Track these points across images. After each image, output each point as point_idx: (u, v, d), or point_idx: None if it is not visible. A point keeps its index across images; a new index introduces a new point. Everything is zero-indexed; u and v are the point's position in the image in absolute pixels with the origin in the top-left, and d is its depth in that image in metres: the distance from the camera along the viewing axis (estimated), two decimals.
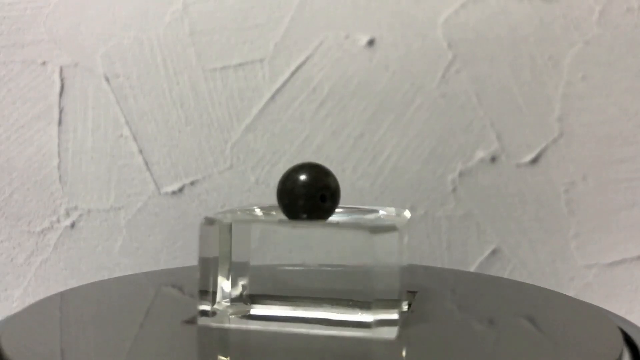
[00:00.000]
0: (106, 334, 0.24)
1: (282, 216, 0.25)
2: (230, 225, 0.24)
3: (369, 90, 0.41)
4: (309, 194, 0.24)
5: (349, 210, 0.27)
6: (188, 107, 0.42)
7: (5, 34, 0.42)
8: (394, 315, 0.22)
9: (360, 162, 0.41)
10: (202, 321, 0.24)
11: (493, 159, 0.41)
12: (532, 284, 0.32)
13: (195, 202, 0.42)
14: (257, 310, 0.24)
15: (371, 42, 0.41)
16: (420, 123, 0.41)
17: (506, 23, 0.40)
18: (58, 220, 0.43)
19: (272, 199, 0.26)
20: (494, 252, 0.41)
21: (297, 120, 0.41)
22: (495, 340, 0.24)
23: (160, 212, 0.42)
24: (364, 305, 0.23)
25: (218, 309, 0.24)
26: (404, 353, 0.22)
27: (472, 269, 0.41)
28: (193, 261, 0.25)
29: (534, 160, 0.40)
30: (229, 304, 0.24)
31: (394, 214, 0.27)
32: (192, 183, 0.42)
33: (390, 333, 0.22)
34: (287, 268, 0.25)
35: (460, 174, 0.41)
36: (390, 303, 0.23)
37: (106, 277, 0.42)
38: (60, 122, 0.42)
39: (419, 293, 0.28)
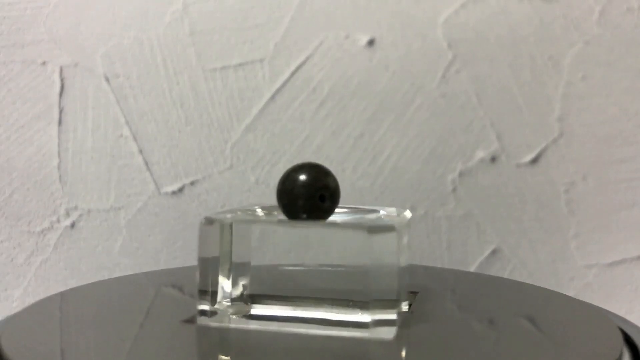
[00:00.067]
0: (106, 334, 0.24)
1: (283, 216, 0.25)
2: (231, 225, 0.24)
3: (369, 90, 0.41)
4: (308, 194, 0.24)
5: (351, 210, 0.27)
6: (188, 107, 0.42)
7: (5, 34, 0.42)
8: (392, 316, 0.22)
9: (360, 162, 0.41)
10: (202, 321, 0.24)
11: (493, 159, 0.41)
12: (532, 284, 0.32)
13: (195, 202, 0.42)
14: (258, 310, 0.24)
15: (371, 42, 0.41)
16: (420, 123, 0.41)
17: (506, 23, 0.40)
18: (58, 220, 0.43)
19: (272, 199, 0.26)
20: (494, 252, 0.41)
21: (297, 120, 0.41)
22: (495, 340, 0.24)
23: (160, 212, 0.42)
24: (363, 305, 0.23)
25: (219, 309, 0.24)
26: (402, 353, 0.22)
27: (472, 269, 0.41)
28: (193, 261, 0.25)
29: (534, 160, 0.40)
30: (229, 303, 0.25)
31: (395, 214, 0.27)
32: (192, 183, 0.42)
33: (388, 333, 0.22)
34: (287, 268, 0.25)
35: (460, 174, 0.41)
36: (388, 303, 0.22)
37: (106, 277, 0.42)
38: (60, 122, 0.42)
39: (418, 293, 0.28)
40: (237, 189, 0.42)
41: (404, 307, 0.25)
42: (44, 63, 0.42)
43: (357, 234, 0.23)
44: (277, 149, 0.41)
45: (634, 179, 0.40)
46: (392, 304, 0.23)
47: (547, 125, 0.40)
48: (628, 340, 0.24)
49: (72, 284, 0.43)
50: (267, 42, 0.41)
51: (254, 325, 0.24)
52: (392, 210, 0.27)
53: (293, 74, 0.41)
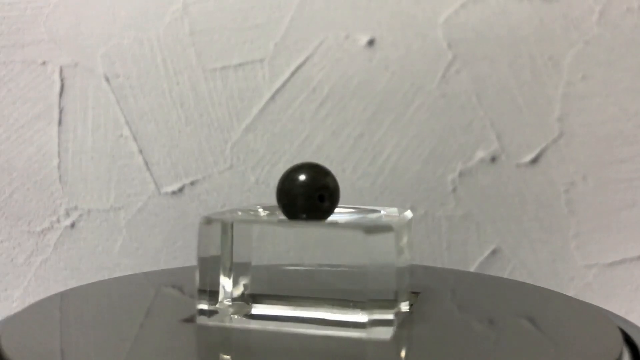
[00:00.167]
0: (106, 334, 0.24)
1: (283, 216, 0.25)
2: (231, 225, 0.24)
3: (369, 90, 0.41)
4: (307, 194, 0.24)
5: (352, 210, 0.27)
6: (188, 107, 0.42)
7: (5, 34, 0.42)
8: (390, 316, 0.22)
9: (360, 162, 0.41)
10: (201, 320, 0.24)
11: (493, 159, 0.41)
12: (532, 284, 0.32)
13: (195, 202, 0.42)
14: (258, 309, 0.24)
15: (371, 42, 0.41)
16: (420, 123, 0.41)
17: (506, 23, 0.40)
18: (58, 220, 0.43)
19: (272, 199, 0.26)
20: (494, 252, 0.41)
21: (297, 120, 0.41)
22: (495, 340, 0.24)
23: (160, 212, 0.42)
24: (361, 305, 0.23)
25: (220, 308, 0.24)
26: (400, 354, 0.22)
27: (472, 269, 0.41)
28: (193, 261, 0.25)
29: (534, 160, 0.40)
30: (230, 303, 0.25)
31: (395, 214, 0.27)
32: (192, 183, 0.42)
33: (386, 333, 0.22)
34: (286, 268, 0.25)
35: (460, 174, 0.41)
36: (386, 303, 0.22)
37: (106, 277, 0.42)
38: (60, 122, 0.42)
39: (420, 294, 0.28)
40: (237, 189, 0.42)
41: (404, 307, 0.25)
42: (44, 63, 0.42)
43: (355, 234, 0.23)
44: (277, 149, 0.42)
45: (634, 179, 0.40)
46: (390, 304, 0.23)
47: (547, 125, 0.40)
48: (628, 340, 0.24)
49: (72, 284, 0.43)
50: (267, 42, 0.41)
51: (252, 325, 0.24)
52: (394, 210, 0.27)
53: (293, 74, 0.41)
